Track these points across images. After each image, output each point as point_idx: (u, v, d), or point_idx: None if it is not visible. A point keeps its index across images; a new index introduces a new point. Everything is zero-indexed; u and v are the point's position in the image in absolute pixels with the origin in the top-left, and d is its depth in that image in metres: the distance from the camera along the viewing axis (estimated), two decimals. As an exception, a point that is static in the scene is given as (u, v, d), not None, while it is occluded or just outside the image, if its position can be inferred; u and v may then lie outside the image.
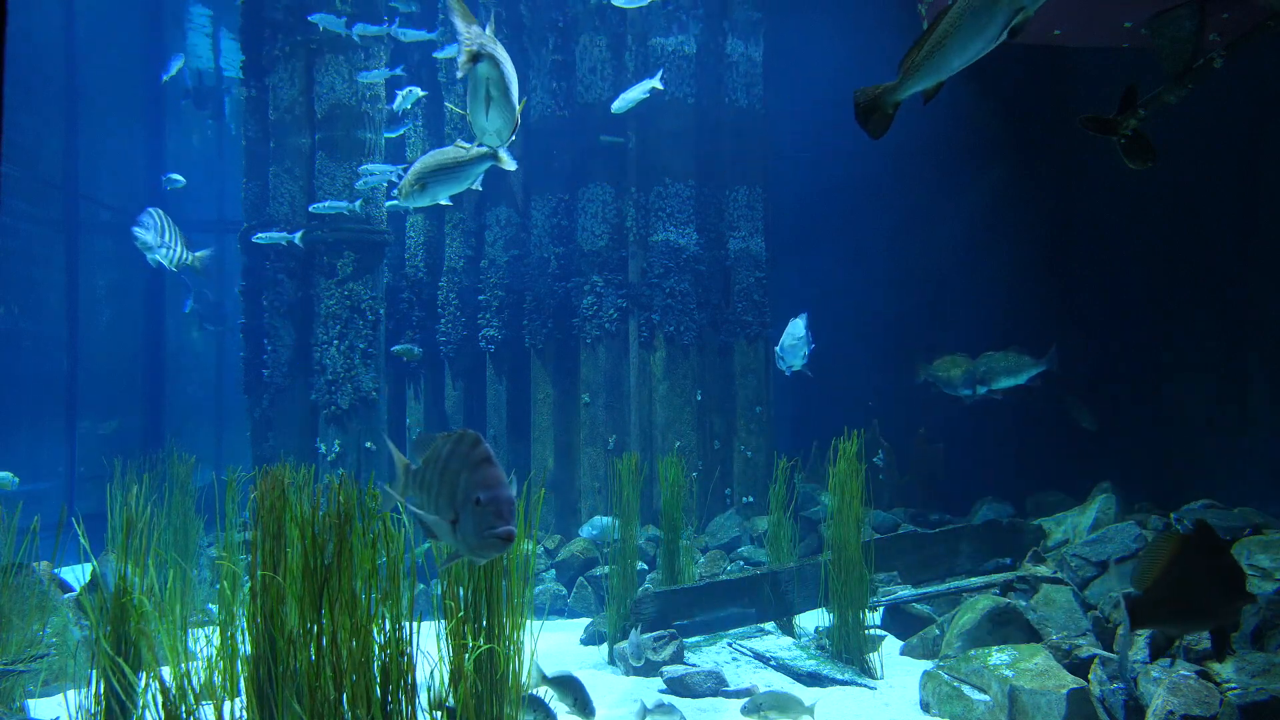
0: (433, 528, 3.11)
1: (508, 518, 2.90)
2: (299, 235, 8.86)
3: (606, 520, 8.30)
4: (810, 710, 4.78)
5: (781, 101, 10.57)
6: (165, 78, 15.07)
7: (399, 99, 8.32)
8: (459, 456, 3.04)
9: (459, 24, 3.77)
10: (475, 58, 3.76)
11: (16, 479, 10.93)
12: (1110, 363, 9.54)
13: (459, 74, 3.83)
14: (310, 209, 8.77)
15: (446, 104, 9.67)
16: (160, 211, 7.98)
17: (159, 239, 7.83)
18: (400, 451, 3.39)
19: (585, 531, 8.48)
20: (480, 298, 9.82)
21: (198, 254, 8.12)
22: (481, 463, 2.99)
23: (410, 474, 3.24)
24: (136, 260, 15.66)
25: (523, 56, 9.84)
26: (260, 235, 9.03)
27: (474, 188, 5.62)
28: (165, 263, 7.88)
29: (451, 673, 4.09)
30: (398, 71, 9.00)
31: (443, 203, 5.53)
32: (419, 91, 8.35)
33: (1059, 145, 9.68)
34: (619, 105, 7.83)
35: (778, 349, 7.77)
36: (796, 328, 7.69)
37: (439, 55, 8.93)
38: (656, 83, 7.78)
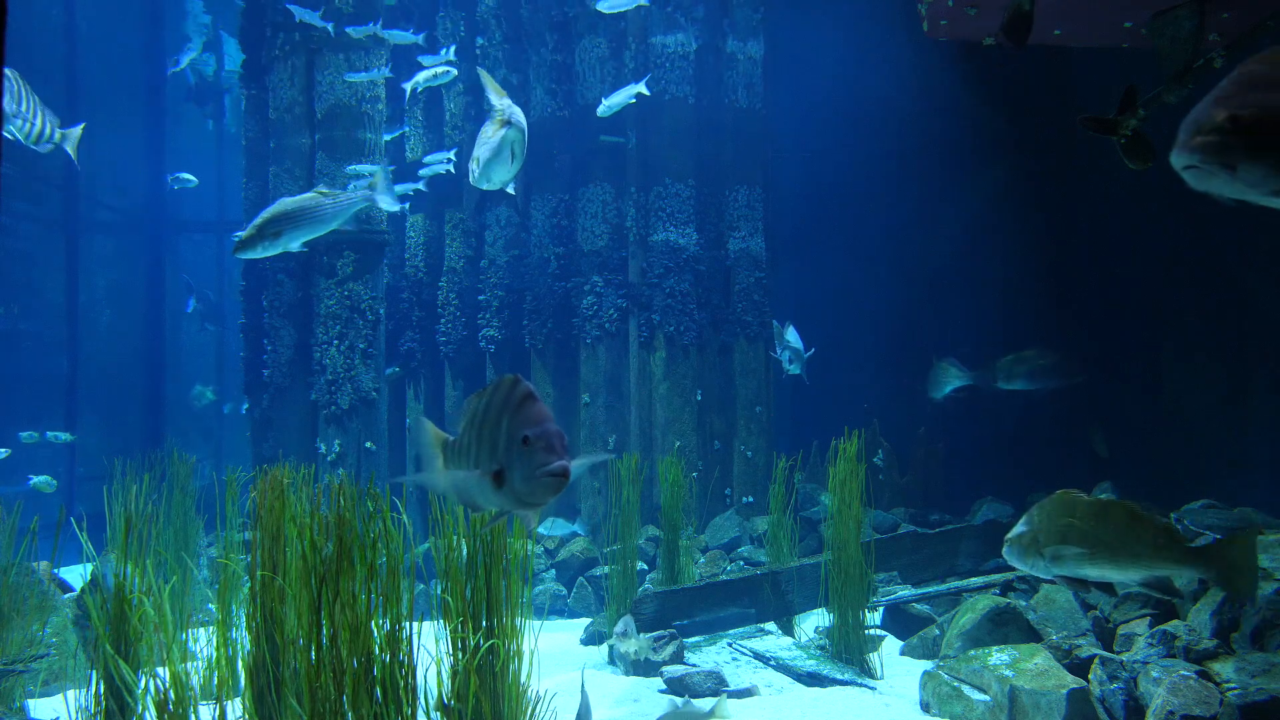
0: (471, 490, 2.79)
1: (561, 451, 2.58)
2: None
3: (561, 521, 8.79)
4: (713, 710, 4.60)
5: (781, 101, 10.57)
6: (173, 70, 15.09)
7: (426, 75, 7.95)
8: (497, 403, 2.72)
9: (492, 97, 5.17)
10: (506, 124, 4.91)
11: (55, 481, 10.95)
12: (1110, 362, 9.54)
13: (490, 138, 4.99)
14: None
15: (447, 136, 9.69)
16: (15, 72, 6.09)
17: (14, 105, 5.89)
18: (406, 450, 3.35)
19: (544, 529, 8.59)
20: (480, 298, 9.82)
21: (69, 130, 6.24)
22: (525, 400, 2.67)
23: (448, 448, 2.92)
24: (136, 260, 15.72)
25: (522, 57, 9.84)
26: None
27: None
28: (21, 138, 6.01)
29: (451, 672, 4.09)
30: (387, 72, 8.96)
31: (293, 249, 5.92)
32: (454, 71, 8.19)
33: (1059, 145, 9.67)
34: (604, 109, 7.84)
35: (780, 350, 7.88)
36: (791, 337, 7.79)
37: (425, 60, 8.87)
38: (642, 88, 7.80)
